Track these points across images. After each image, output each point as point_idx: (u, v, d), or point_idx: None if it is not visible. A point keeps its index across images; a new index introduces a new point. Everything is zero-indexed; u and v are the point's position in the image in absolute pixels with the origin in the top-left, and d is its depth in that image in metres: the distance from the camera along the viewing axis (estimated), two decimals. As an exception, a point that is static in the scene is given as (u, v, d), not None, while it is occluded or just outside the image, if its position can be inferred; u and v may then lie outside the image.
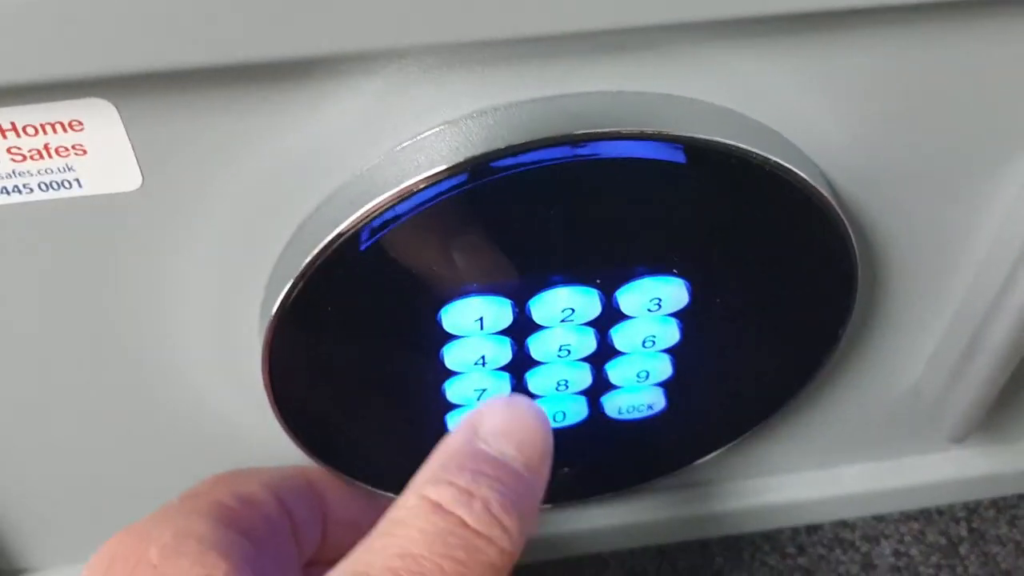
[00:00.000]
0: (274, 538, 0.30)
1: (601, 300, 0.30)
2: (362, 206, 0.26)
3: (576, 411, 0.34)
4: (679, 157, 0.27)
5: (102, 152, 0.23)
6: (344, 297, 0.28)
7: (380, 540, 0.25)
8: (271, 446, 0.33)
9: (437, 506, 0.25)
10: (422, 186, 0.26)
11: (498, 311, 0.30)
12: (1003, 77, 0.27)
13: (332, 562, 0.25)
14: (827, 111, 0.27)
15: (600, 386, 0.33)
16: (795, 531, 0.44)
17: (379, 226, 0.26)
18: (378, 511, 0.27)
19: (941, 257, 0.32)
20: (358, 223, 0.26)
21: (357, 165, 0.26)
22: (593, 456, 0.37)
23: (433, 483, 0.25)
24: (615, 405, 0.34)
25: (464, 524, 0.24)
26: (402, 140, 0.26)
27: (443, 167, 0.26)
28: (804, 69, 0.26)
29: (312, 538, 0.33)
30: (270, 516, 0.31)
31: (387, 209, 0.26)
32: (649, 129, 0.26)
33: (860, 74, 0.26)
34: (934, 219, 0.31)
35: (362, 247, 0.27)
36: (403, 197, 0.26)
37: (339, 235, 0.26)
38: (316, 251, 0.26)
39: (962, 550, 0.44)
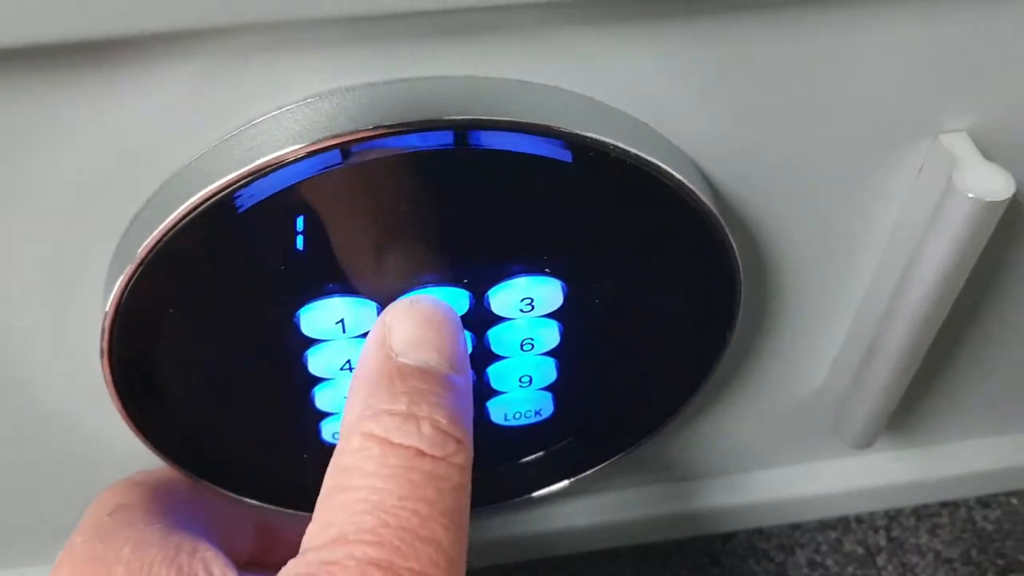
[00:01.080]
0: (201, 529, 0.29)
1: (471, 301, 0.29)
2: (201, 190, 0.24)
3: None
4: (554, 152, 0.25)
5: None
6: (188, 294, 0.26)
7: (337, 496, 0.22)
8: (138, 458, 0.32)
9: (385, 441, 0.22)
10: (269, 168, 0.24)
11: (361, 313, 0.28)
12: (882, 68, 0.25)
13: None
14: (701, 104, 0.26)
15: (482, 391, 0.32)
16: (709, 540, 0.42)
17: (223, 213, 0.24)
18: None
19: (835, 257, 0.31)
20: (198, 208, 0.24)
21: (194, 150, 0.25)
22: (484, 464, 0.35)
23: (371, 416, 0.23)
24: (500, 411, 0.33)
25: (421, 453, 0.22)
26: (238, 124, 0.24)
27: (294, 148, 0.24)
28: (673, 58, 0.25)
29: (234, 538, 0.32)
30: (199, 502, 0.30)
31: (226, 196, 0.24)
32: (524, 120, 0.25)
33: (732, 65, 0.25)
34: (825, 216, 0.29)
35: (200, 240, 0.25)
36: (251, 178, 0.24)
37: (176, 223, 0.24)
38: (150, 243, 0.24)
39: (880, 560, 0.42)
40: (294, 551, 0.22)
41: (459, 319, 0.26)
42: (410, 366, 0.24)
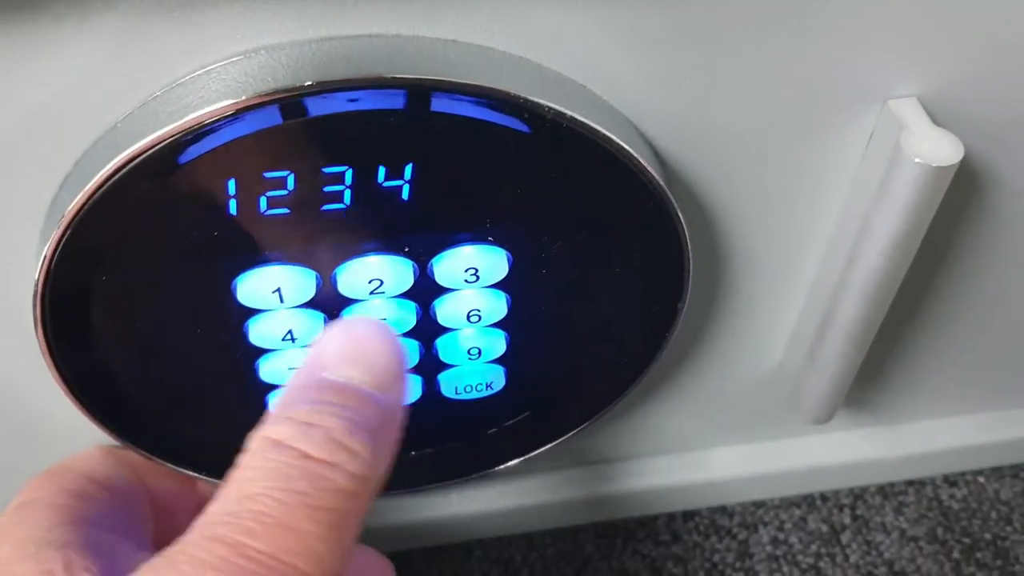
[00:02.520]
0: (115, 519, 0.29)
1: (415, 271, 0.28)
2: (128, 149, 0.23)
3: (410, 391, 0.32)
4: (500, 119, 0.25)
5: None
6: (118, 261, 0.26)
7: (224, 489, 0.23)
8: (81, 436, 0.31)
9: (276, 443, 0.23)
10: (202, 125, 0.23)
11: (299, 282, 0.27)
12: (832, 33, 0.25)
13: None
14: (643, 67, 0.25)
15: (431, 364, 0.31)
16: (671, 517, 0.42)
17: (151, 174, 0.24)
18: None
19: (788, 229, 0.30)
20: (118, 173, 0.23)
21: (121, 111, 0.24)
22: (436, 439, 0.35)
23: (273, 422, 0.24)
24: (451, 385, 0.32)
25: (305, 455, 0.23)
26: (188, 72, 0.24)
27: (228, 102, 0.23)
28: (612, 17, 0.24)
29: (146, 523, 0.31)
30: (103, 500, 0.29)
31: (159, 154, 0.23)
32: (472, 83, 0.24)
33: (676, 25, 0.24)
34: (775, 185, 0.29)
35: (129, 202, 0.24)
36: (179, 136, 0.23)
37: (102, 183, 0.24)
38: (76, 204, 0.24)
39: (844, 538, 0.42)
40: None
41: (398, 340, 0.26)
42: (329, 380, 0.25)
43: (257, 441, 0.24)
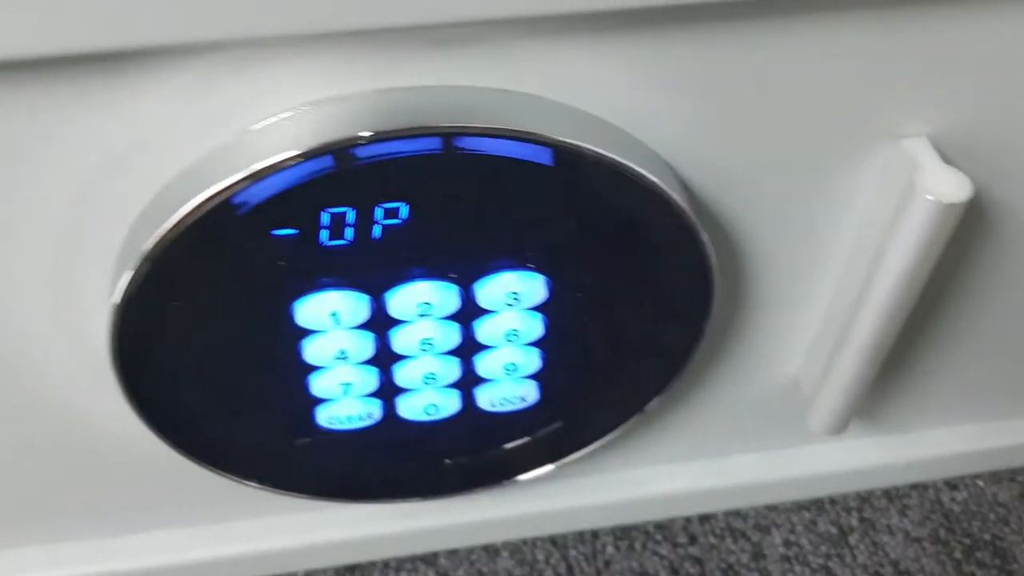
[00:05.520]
0: None
1: (460, 294, 0.30)
2: (206, 189, 0.25)
3: (449, 404, 0.34)
4: (536, 156, 0.27)
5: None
6: (189, 289, 0.28)
7: None
8: (140, 440, 0.33)
9: None
10: (270, 171, 0.25)
11: (354, 305, 0.29)
12: (846, 76, 0.27)
13: None
14: (672, 108, 0.27)
15: (470, 379, 0.33)
16: (687, 520, 0.44)
17: (223, 212, 0.26)
18: None
19: (806, 250, 0.32)
20: (202, 208, 0.26)
21: (201, 149, 0.26)
22: (472, 448, 0.37)
23: None
24: (487, 398, 0.34)
25: None
26: (252, 123, 0.26)
27: (295, 152, 0.25)
28: (644, 64, 0.26)
29: None
30: None
31: (225, 198, 0.25)
32: (510, 127, 0.26)
33: (703, 69, 0.26)
34: (794, 213, 0.31)
35: (201, 237, 0.26)
36: (250, 181, 0.25)
37: (179, 222, 0.26)
38: (153, 242, 0.26)
39: (852, 539, 0.44)
40: None
41: None
42: None
43: None
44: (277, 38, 0.23)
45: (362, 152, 0.26)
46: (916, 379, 0.41)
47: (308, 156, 0.25)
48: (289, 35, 0.22)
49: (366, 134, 0.25)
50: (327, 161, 0.26)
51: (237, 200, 0.26)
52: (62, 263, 0.28)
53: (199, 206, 0.26)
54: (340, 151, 0.25)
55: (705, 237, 0.29)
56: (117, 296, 0.27)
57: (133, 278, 0.27)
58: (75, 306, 0.29)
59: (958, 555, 0.44)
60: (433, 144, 0.26)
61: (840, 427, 0.36)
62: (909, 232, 0.28)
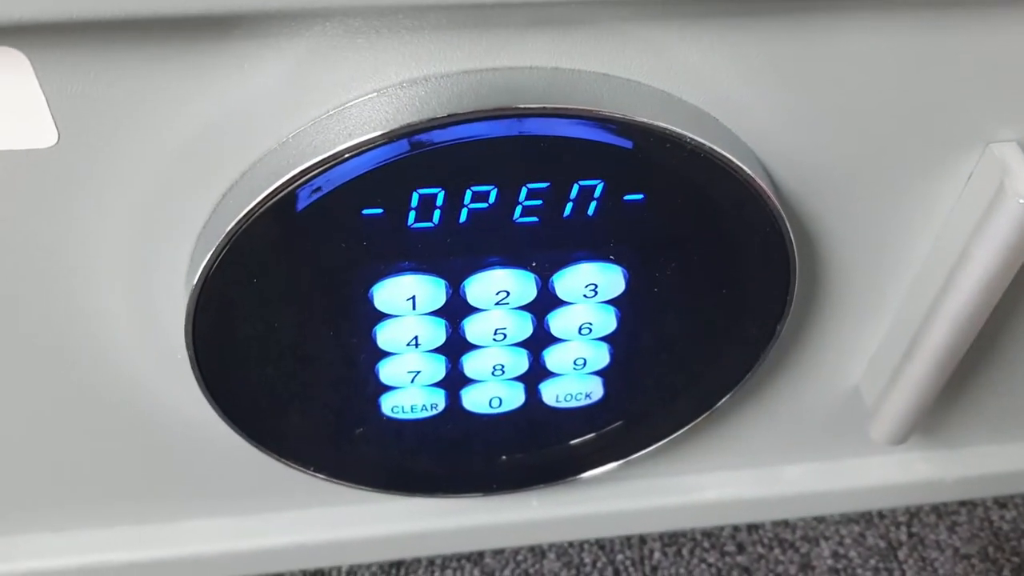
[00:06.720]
0: None
1: (537, 284, 0.30)
2: (289, 171, 0.25)
3: (513, 397, 0.34)
4: (621, 141, 0.27)
5: (14, 105, 0.22)
6: (269, 269, 0.28)
7: None
8: (201, 424, 0.33)
9: None
10: (353, 153, 0.25)
11: (431, 291, 0.29)
12: (939, 78, 0.27)
13: None
14: (768, 101, 0.27)
15: (537, 372, 0.33)
16: (735, 529, 0.44)
17: (307, 194, 0.26)
18: None
19: (882, 256, 0.32)
20: (285, 189, 0.25)
21: (283, 131, 0.26)
22: (530, 445, 0.36)
23: None
24: (552, 393, 0.34)
25: None
26: (332, 106, 0.26)
27: (377, 133, 0.25)
28: (745, 56, 0.26)
29: None
30: None
31: (316, 176, 0.25)
32: (596, 110, 0.26)
33: (801, 64, 0.26)
34: (875, 216, 0.31)
35: (289, 216, 0.26)
36: (333, 164, 0.25)
37: (264, 201, 0.25)
38: (239, 218, 0.26)
39: (901, 554, 0.44)
40: None
41: None
42: None
43: None
44: (391, 7, 0.22)
45: (451, 134, 0.25)
46: (970, 395, 0.41)
47: (394, 137, 0.25)
48: (405, 5, 0.22)
49: (451, 114, 0.25)
50: (419, 141, 0.25)
51: (326, 179, 0.26)
52: (142, 241, 0.28)
53: (286, 182, 0.25)
54: (430, 133, 0.25)
55: (789, 231, 0.28)
56: (197, 276, 0.27)
57: (214, 256, 0.27)
58: (151, 286, 0.29)
59: (1008, 573, 0.43)
60: (524, 127, 0.26)
61: (903, 437, 0.36)
62: (997, 236, 0.28)
